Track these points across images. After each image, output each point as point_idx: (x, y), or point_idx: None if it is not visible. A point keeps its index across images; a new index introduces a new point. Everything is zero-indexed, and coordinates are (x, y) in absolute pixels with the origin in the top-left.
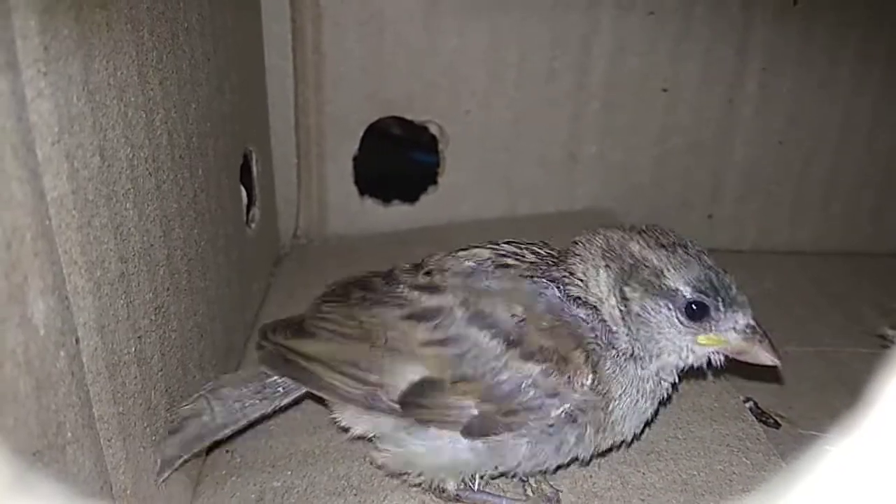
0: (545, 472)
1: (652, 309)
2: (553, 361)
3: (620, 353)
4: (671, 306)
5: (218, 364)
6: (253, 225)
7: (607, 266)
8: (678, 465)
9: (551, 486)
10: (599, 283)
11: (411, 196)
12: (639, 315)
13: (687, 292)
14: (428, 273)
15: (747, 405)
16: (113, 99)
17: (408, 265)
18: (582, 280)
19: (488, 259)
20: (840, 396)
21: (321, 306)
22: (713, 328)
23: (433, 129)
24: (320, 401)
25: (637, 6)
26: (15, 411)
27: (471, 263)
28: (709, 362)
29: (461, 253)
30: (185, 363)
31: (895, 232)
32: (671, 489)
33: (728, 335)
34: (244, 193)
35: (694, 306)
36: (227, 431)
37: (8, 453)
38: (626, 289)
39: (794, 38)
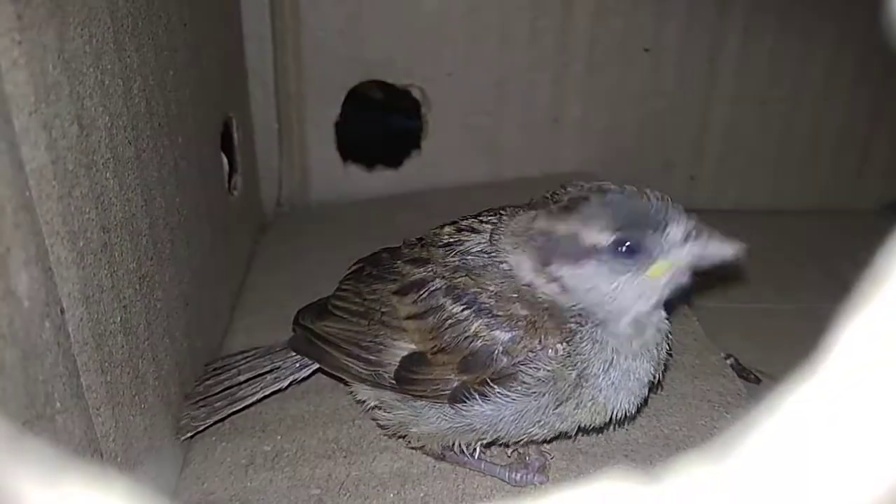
0: (523, 442)
1: (587, 275)
2: (522, 329)
3: (596, 326)
4: (602, 259)
5: (204, 332)
6: (235, 192)
7: (523, 251)
8: (660, 421)
9: (542, 453)
10: (522, 269)
11: (395, 161)
12: (577, 286)
13: (607, 239)
14: (423, 245)
15: (728, 362)
16: (89, 67)
17: (414, 238)
18: (510, 266)
19: (455, 234)
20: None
21: (340, 285)
22: (656, 256)
23: (415, 94)
24: (333, 375)
25: None
26: (2, 382)
27: (448, 237)
28: (678, 287)
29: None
30: (172, 331)
31: (876, 189)
32: (654, 444)
33: (674, 254)
34: (225, 161)
35: (623, 247)
36: (247, 402)
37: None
38: (551, 268)
39: None
